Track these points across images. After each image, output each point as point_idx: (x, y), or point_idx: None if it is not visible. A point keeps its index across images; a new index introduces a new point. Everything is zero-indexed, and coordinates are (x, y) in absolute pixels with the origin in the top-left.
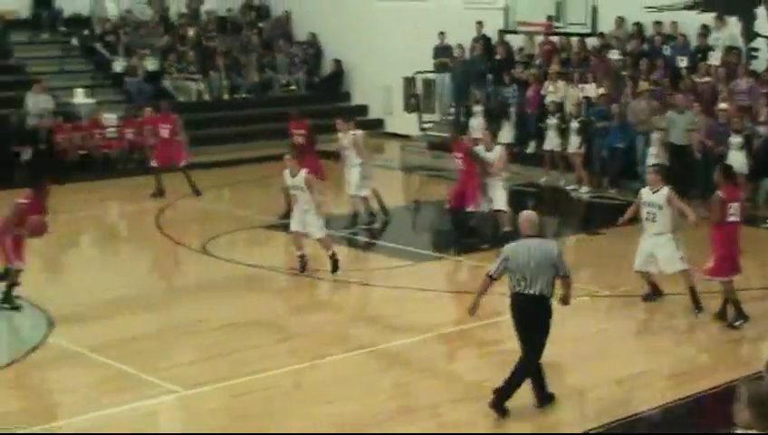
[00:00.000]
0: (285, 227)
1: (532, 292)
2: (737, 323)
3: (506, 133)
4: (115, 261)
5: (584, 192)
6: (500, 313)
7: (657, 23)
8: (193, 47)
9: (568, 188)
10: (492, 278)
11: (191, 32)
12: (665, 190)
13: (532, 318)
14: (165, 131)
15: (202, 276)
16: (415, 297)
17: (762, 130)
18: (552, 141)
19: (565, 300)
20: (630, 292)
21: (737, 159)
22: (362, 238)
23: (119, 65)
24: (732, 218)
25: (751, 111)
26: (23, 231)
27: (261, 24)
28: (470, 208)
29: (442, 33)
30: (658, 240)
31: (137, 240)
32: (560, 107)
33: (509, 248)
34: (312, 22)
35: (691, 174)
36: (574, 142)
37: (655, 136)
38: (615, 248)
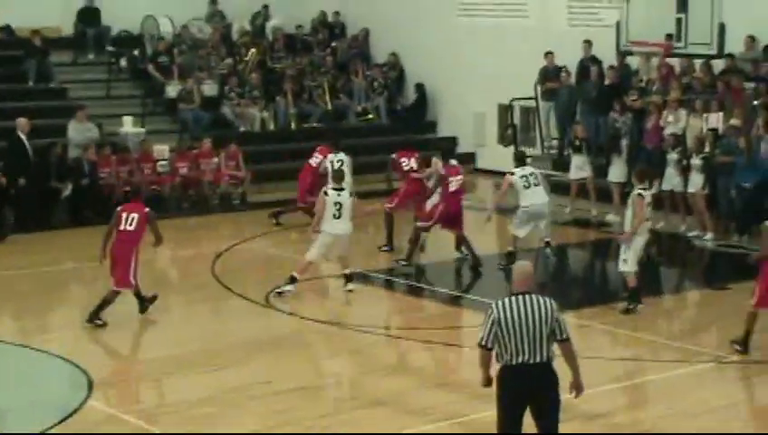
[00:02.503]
0: (362, 277)
1: (535, 360)
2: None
3: (617, 170)
4: (165, 314)
5: (709, 239)
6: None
7: None
8: (256, 69)
9: (690, 234)
10: (487, 349)
11: (255, 52)
12: None
13: (541, 393)
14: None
15: (264, 333)
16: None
17: None
18: (671, 180)
19: (576, 384)
20: (763, 358)
21: None
22: (447, 290)
23: (172, 90)
24: None
25: None
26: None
27: (335, 44)
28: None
29: (550, 54)
30: None
31: (190, 290)
32: (680, 140)
33: (498, 309)
34: (392, 41)
35: None
36: (697, 181)
37: None
38: (745, 306)
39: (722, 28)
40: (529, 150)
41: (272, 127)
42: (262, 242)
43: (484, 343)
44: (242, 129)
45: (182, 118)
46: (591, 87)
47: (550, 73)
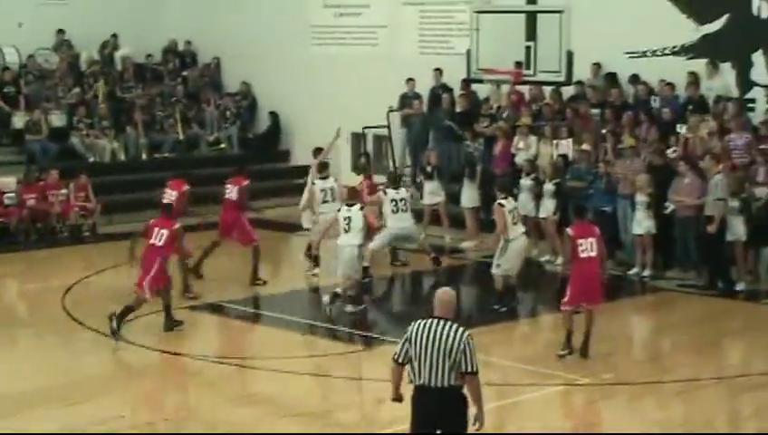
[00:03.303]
0: (212, 308)
1: (435, 385)
2: (562, 353)
3: (470, 196)
4: (14, 349)
5: (560, 264)
6: None
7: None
8: (106, 100)
9: (541, 259)
10: (398, 363)
11: (103, 83)
12: None
13: (442, 419)
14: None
15: (117, 366)
16: (366, 390)
17: (760, 191)
18: (525, 205)
19: (478, 418)
20: (615, 379)
21: (736, 226)
22: (298, 319)
23: (19, 121)
24: (585, 254)
25: (748, 170)
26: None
27: (185, 73)
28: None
29: (411, 80)
30: None
31: (39, 324)
32: (534, 166)
33: (412, 328)
34: (244, 70)
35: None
36: (549, 207)
37: (640, 199)
38: (596, 330)
39: (570, 56)
40: (381, 178)
41: (122, 157)
42: (113, 274)
43: (396, 357)
44: (91, 159)
45: (29, 149)
46: (443, 115)
47: (408, 100)
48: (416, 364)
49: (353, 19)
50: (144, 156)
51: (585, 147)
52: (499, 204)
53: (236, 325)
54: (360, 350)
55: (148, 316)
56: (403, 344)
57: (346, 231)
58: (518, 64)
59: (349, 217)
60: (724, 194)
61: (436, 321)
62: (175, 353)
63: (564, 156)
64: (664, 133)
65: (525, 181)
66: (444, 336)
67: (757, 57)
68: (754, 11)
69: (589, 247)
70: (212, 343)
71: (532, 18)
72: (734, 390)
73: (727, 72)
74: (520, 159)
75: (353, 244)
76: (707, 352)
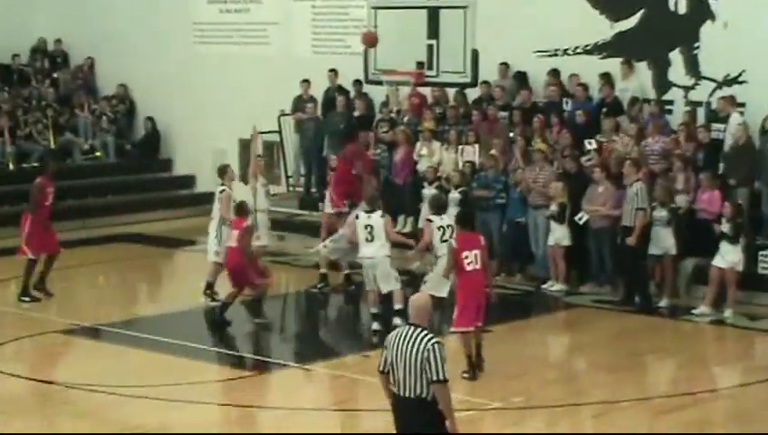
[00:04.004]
0: (92, 332)
1: (406, 394)
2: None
3: None
4: None
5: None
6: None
7: (554, 70)
8: None
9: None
10: (382, 373)
11: None
12: None
13: (414, 429)
14: None
15: None
16: (261, 417)
17: (680, 200)
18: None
19: (451, 426)
20: (527, 403)
21: (664, 239)
22: (183, 342)
23: None
24: (471, 267)
25: (666, 176)
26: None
27: (56, 75)
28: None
29: (306, 81)
30: None
31: None
32: (437, 174)
33: (391, 335)
34: (121, 71)
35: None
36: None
37: (553, 209)
38: (506, 350)
39: (475, 55)
40: (273, 189)
41: None
42: None
43: (379, 367)
44: None
45: None
46: (339, 118)
47: (303, 103)
48: (393, 372)
49: (241, 15)
50: (11, 166)
51: (493, 153)
52: (427, 219)
53: (115, 349)
54: (252, 375)
55: (20, 341)
56: (384, 352)
57: (369, 241)
58: (419, 64)
59: (371, 226)
60: (644, 203)
61: (411, 328)
62: (47, 382)
63: (471, 162)
64: (578, 138)
65: (428, 190)
66: (416, 343)
67: (675, 56)
68: (671, 6)
69: (474, 260)
70: (88, 370)
71: (434, 14)
72: (653, 411)
73: (643, 72)
74: (422, 166)
75: (383, 254)
76: (625, 371)
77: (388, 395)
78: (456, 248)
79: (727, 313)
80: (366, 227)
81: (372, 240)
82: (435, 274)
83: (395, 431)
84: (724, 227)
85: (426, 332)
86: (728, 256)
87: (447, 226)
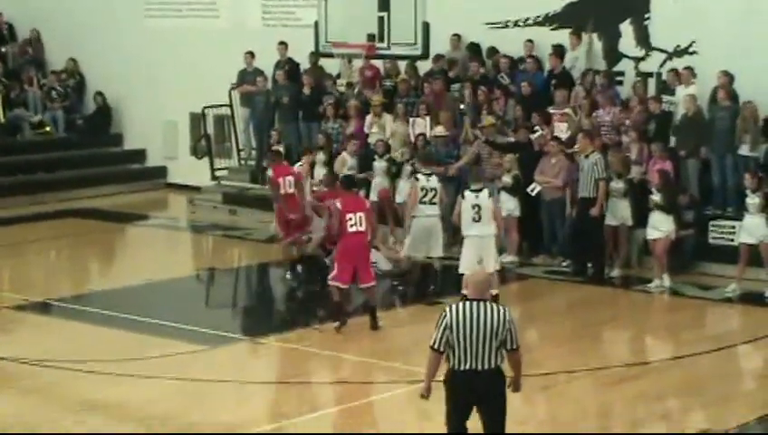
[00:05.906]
0: (42, 308)
1: (482, 367)
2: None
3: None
4: None
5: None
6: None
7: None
8: None
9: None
10: (438, 351)
11: None
12: None
13: (487, 400)
14: None
15: None
16: (215, 391)
17: (634, 170)
18: (379, 189)
19: (516, 385)
20: None
21: (621, 209)
22: (135, 317)
23: None
24: (354, 229)
25: (619, 148)
26: None
27: (3, 49)
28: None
29: (250, 54)
30: None
31: None
32: (388, 147)
33: (451, 314)
34: (70, 45)
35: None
36: (405, 190)
37: (505, 180)
38: None
39: (426, 27)
40: (224, 162)
41: None
42: None
43: (436, 346)
44: None
45: None
46: (289, 92)
47: (249, 76)
48: (459, 349)
49: None
50: None
51: (439, 129)
52: (415, 177)
53: (67, 325)
54: (205, 349)
55: None
56: (443, 331)
57: (476, 220)
58: (371, 37)
59: (478, 205)
60: (603, 174)
61: (475, 303)
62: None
63: (422, 135)
64: (527, 110)
65: (380, 163)
66: (490, 317)
67: (625, 27)
68: None
69: (357, 222)
70: (38, 346)
71: None
72: (605, 381)
73: (594, 44)
74: (373, 139)
75: (491, 233)
76: (577, 342)
77: (432, 372)
78: (342, 210)
79: (666, 281)
80: (474, 206)
81: (479, 220)
82: (411, 235)
83: (455, 404)
84: (656, 196)
85: (497, 304)
86: (662, 226)
87: (433, 189)
